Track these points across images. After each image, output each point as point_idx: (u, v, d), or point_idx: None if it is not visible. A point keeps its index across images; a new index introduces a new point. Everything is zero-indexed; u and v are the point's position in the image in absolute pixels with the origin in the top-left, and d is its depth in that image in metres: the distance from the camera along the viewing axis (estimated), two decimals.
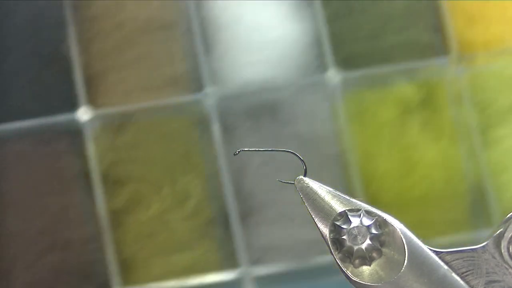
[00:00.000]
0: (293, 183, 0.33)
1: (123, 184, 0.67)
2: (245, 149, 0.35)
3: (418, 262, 0.31)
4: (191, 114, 0.68)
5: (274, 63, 0.70)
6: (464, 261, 0.32)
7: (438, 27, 0.70)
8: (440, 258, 0.31)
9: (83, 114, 0.67)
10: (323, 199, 0.32)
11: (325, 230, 0.32)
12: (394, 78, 0.70)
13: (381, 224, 0.32)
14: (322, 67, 0.69)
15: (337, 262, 0.32)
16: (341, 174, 0.69)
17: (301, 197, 0.32)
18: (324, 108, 0.70)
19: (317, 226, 0.32)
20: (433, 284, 0.31)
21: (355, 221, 0.32)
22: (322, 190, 0.32)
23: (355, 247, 0.31)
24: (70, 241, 0.65)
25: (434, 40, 0.71)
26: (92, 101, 0.67)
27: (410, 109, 0.69)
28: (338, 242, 0.32)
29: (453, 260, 0.32)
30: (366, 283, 0.31)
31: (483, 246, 0.32)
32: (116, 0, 0.67)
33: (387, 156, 0.69)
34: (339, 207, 0.32)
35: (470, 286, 0.31)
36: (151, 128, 0.67)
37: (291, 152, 0.34)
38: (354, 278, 0.31)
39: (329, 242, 0.32)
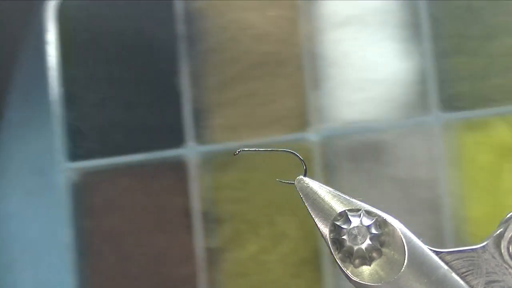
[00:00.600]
0: (293, 183, 0.33)
1: (222, 223, 0.66)
2: (245, 149, 0.35)
3: (418, 262, 0.31)
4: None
5: (378, 102, 0.69)
6: (464, 261, 0.32)
7: None
8: (440, 258, 0.32)
9: (189, 150, 0.66)
10: (323, 199, 0.32)
11: (325, 230, 0.32)
12: (494, 121, 0.68)
13: (381, 224, 0.32)
14: (425, 108, 0.68)
15: (337, 262, 0.32)
16: (433, 219, 0.68)
17: (301, 197, 0.32)
18: (424, 151, 0.68)
19: (317, 226, 0.32)
20: (433, 284, 0.31)
21: (355, 221, 0.32)
22: (322, 190, 0.33)
23: (355, 247, 0.31)
24: (170, 280, 0.65)
25: None
26: (199, 137, 0.66)
27: (508, 153, 0.68)
28: (338, 242, 0.32)
29: (453, 260, 0.32)
30: (366, 283, 0.31)
31: (483, 246, 0.32)
32: (232, 34, 0.66)
33: (481, 201, 0.68)
34: (339, 207, 0.32)
35: (470, 286, 0.31)
36: (255, 166, 0.66)
37: (291, 152, 0.34)
38: (354, 278, 0.32)
39: (329, 242, 0.32)
